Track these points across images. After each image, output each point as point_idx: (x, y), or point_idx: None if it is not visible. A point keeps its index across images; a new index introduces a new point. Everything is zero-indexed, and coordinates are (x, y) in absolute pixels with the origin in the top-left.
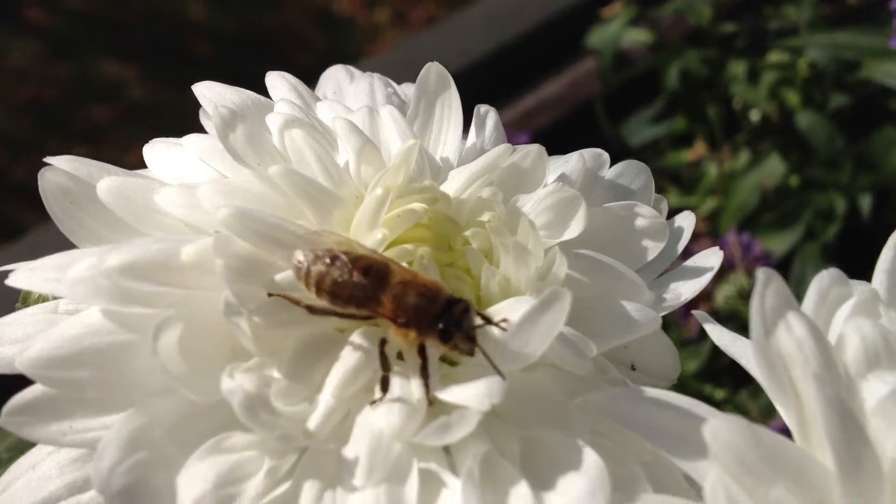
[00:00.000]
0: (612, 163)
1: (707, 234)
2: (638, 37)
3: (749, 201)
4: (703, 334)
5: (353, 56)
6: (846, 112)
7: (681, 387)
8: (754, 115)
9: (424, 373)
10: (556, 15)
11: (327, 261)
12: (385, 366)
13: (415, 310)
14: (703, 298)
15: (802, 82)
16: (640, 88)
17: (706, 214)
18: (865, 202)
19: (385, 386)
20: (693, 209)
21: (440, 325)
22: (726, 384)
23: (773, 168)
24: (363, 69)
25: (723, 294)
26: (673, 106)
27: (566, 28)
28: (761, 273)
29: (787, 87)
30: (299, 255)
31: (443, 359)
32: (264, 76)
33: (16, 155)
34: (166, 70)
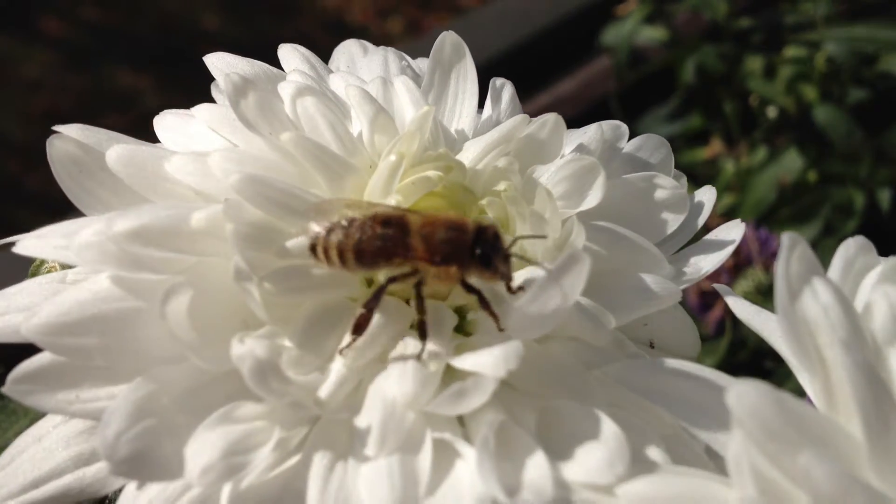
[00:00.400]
0: None
1: None
2: (653, 34)
3: (767, 197)
4: (720, 330)
5: None
6: (864, 106)
7: None
8: (771, 111)
9: (486, 306)
10: (571, 13)
11: (344, 224)
12: (421, 309)
13: (448, 243)
14: (719, 294)
15: (820, 77)
16: (655, 86)
17: (723, 211)
18: (884, 196)
19: (423, 332)
20: None
21: (477, 251)
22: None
23: (791, 163)
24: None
25: (740, 289)
26: (688, 103)
27: (581, 26)
28: (786, 238)
29: (804, 81)
30: (315, 227)
31: (457, 329)
32: None
33: (30, 164)
34: (180, 79)
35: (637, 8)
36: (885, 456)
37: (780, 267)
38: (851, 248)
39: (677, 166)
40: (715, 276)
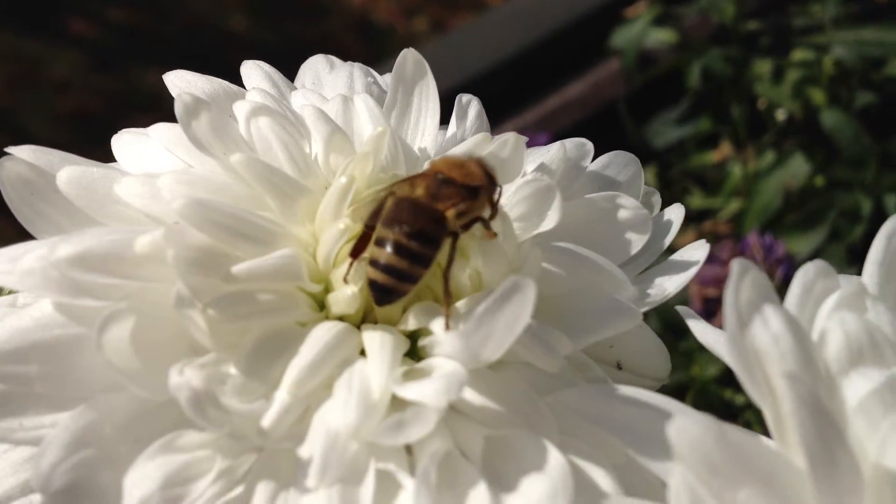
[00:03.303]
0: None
1: (730, 236)
2: (662, 36)
3: (773, 202)
4: None
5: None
6: (872, 111)
7: (701, 391)
8: (780, 115)
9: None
10: (581, 15)
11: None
12: (452, 258)
13: (468, 189)
14: (719, 301)
15: (828, 81)
16: (664, 89)
17: (730, 216)
18: (892, 202)
19: (447, 289)
20: (717, 211)
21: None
22: None
23: (798, 168)
24: (385, 69)
25: None
26: (697, 107)
27: (591, 28)
28: (736, 264)
29: (812, 85)
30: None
31: (408, 354)
32: None
33: None
34: None
35: (646, 11)
36: (830, 491)
37: (728, 294)
38: (810, 272)
39: (687, 170)
40: (718, 283)
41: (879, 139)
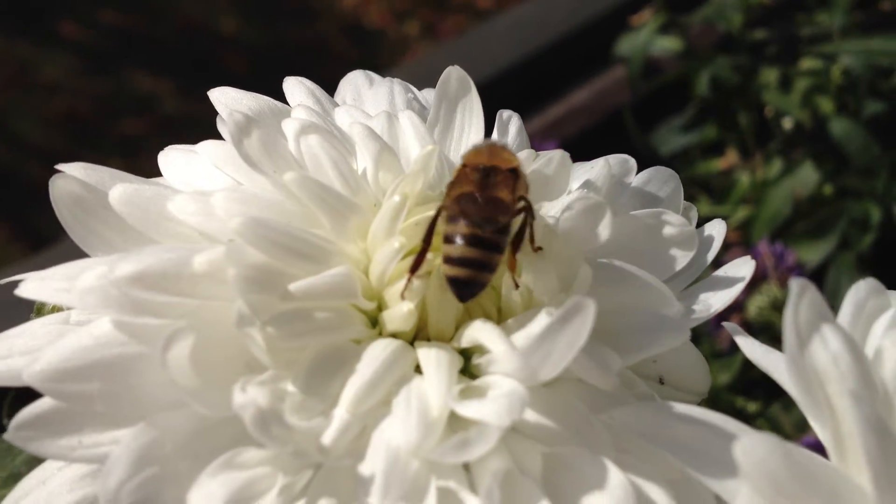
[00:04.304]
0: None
1: (739, 244)
2: (668, 44)
3: (782, 210)
4: (734, 346)
5: (385, 68)
6: (881, 119)
7: (713, 399)
8: (787, 123)
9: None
10: (585, 23)
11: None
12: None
13: (511, 171)
14: (734, 310)
15: (836, 89)
16: (669, 97)
17: (738, 224)
18: None
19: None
20: (724, 218)
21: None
22: (759, 397)
23: (807, 176)
24: (380, 74)
25: (755, 305)
26: (703, 114)
27: (595, 36)
28: (795, 284)
29: (820, 94)
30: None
31: (463, 371)
32: None
33: (50, 168)
34: (200, 84)
35: (651, 18)
36: None
37: (788, 314)
38: (862, 290)
39: (693, 177)
40: None
41: (888, 148)
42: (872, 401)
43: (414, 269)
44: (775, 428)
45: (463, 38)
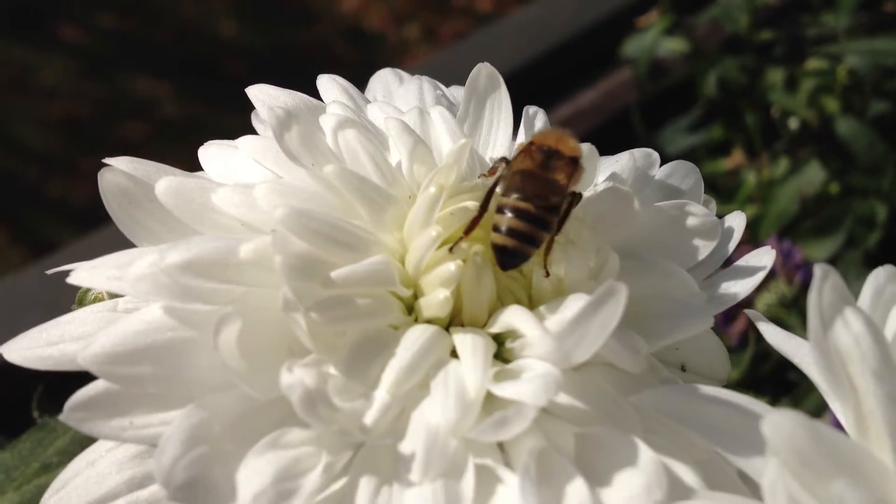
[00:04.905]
0: None
1: (747, 242)
2: (674, 45)
3: (789, 209)
4: (743, 342)
5: None
6: (886, 118)
7: None
8: (793, 123)
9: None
10: (592, 24)
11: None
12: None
13: (572, 160)
14: (743, 306)
15: (841, 89)
16: (676, 97)
17: (746, 222)
18: None
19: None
20: None
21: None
22: (767, 392)
23: (813, 175)
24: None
25: (763, 302)
26: (710, 114)
27: (603, 37)
28: (818, 268)
29: (825, 94)
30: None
31: (496, 355)
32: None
33: (49, 172)
34: (198, 87)
35: (658, 19)
36: None
37: (812, 297)
38: (881, 276)
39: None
40: None
41: (894, 146)
42: (893, 380)
43: (468, 231)
44: None
45: (470, 38)
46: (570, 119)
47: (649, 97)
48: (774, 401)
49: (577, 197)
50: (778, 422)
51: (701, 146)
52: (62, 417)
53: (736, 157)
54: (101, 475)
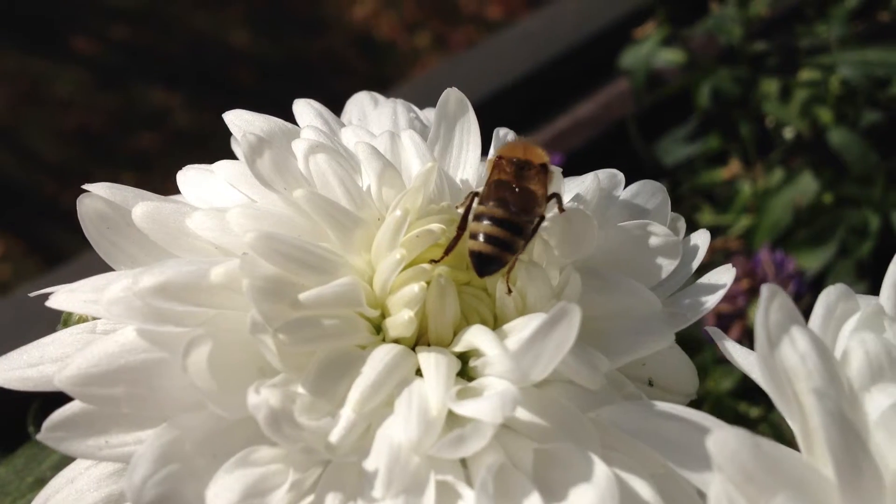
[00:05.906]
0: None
1: (741, 252)
2: (670, 56)
3: (782, 219)
4: None
5: (395, 79)
6: (879, 129)
7: (716, 405)
8: (787, 133)
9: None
10: (588, 37)
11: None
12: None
13: (542, 167)
14: (737, 317)
15: (834, 99)
16: (673, 108)
17: (740, 232)
18: None
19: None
20: (727, 227)
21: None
22: (761, 402)
23: (806, 185)
24: (401, 93)
25: (756, 311)
26: (706, 125)
27: (600, 49)
28: (765, 289)
29: (819, 104)
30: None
31: (461, 374)
32: None
33: (64, 183)
34: (211, 97)
35: (654, 31)
36: (855, 497)
37: (759, 316)
38: (832, 295)
39: (697, 187)
40: (732, 299)
41: (886, 157)
42: (837, 397)
43: (448, 251)
44: (777, 432)
45: (473, 50)
46: (569, 131)
47: (646, 108)
48: (768, 410)
49: (557, 197)
50: (723, 438)
51: (698, 156)
52: (40, 437)
53: (733, 167)
54: (80, 492)
